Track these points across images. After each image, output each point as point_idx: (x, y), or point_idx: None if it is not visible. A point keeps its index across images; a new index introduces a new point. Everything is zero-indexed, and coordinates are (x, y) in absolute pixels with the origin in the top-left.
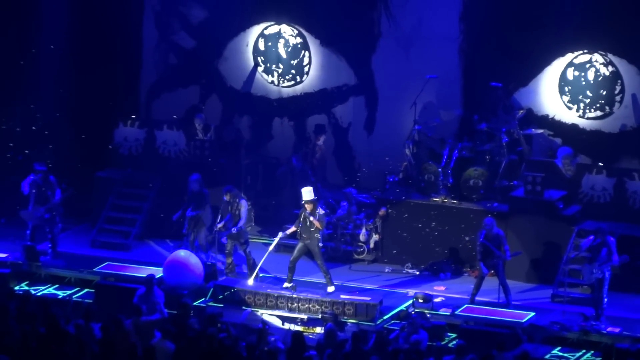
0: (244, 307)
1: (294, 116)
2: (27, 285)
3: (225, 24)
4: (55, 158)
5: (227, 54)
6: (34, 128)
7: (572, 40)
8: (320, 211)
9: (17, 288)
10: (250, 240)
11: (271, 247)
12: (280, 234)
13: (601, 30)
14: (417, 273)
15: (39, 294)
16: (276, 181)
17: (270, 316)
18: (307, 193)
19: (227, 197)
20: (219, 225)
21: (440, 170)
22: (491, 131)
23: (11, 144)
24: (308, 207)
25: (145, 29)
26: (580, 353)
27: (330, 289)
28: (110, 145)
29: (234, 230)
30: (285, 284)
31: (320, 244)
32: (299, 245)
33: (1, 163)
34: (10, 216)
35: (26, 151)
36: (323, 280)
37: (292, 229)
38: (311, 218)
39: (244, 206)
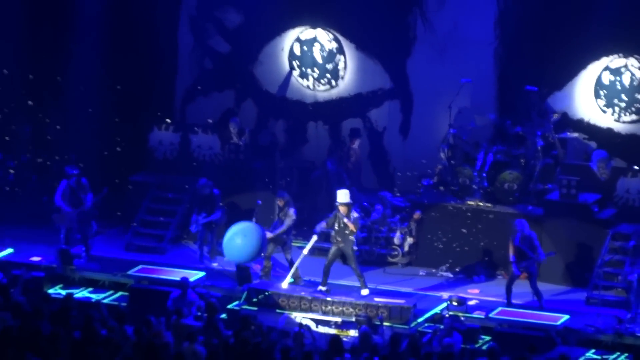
0: (278, 311)
1: (328, 120)
2: (61, 288)
3: (260, 28)
4: (90, 162)
5: (263, 58)
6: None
7: (607, 44)
8: (354, 214)
9: (51, 291)
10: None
11: (305, 251)
12: (314, 237)
13: (636, 34)
14: (451, 276)
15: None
16: (311, 185)
17: (304, 319)
18: (343, 195)
19: (279, 203)
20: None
21: (475, 173)
22: (525, 135)
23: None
24: (342, 209)
25: (180, 34)
26: (615, 356)
27: (364, 292)
28: (144, 149)
29: (269, 234)
30: (320, 287)
31: (355, 247)
32: (333, 248)
33: (39, 167)
34: (45, 220)
35: (56, 157)
36: (357, 284)
37: (323, 224)
38: (345, 220)
39: (289, 216)
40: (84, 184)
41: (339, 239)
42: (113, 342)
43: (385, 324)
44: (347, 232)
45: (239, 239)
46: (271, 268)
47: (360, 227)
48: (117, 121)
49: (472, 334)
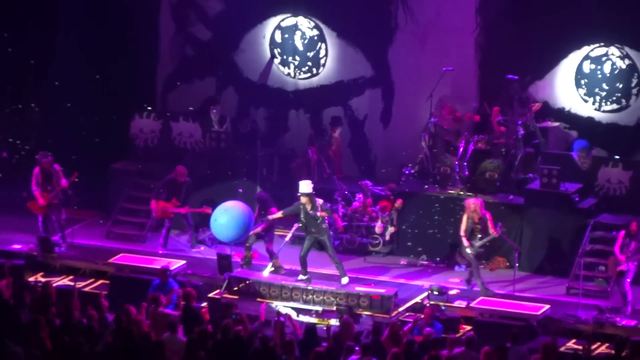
0: (259, 299)
1: (310, 108)
2: (42, 276)
3: (241, 15)
4: (71, 150)
5: (244, 45)
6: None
7: (588, 33)
8: (320, 201)
9: (32, 279)
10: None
11: (286, 239)
12: (295, 226)
13: (617, 23)
14: (433, 265)
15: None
16: (292, 173)
17: (285, 308)
18: (305, 186)
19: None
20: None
21: (456, 162)
22: (507, 124)
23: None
24: (304, 199)
25: (162, 21)
26: (595, 346)
27: (344, 280)
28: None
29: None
30: (301, 277)
31: (331, 233)
32: (308, 239)
33: (18, 153)
34: (19, 209)
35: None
36: (338, 272)
37: (279, 214)
38: (318, 213)
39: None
40: (57, 170)
41: (312, 229)
42: (93, 331)
43: (366, 313)
44: (319, 221)
45: (223, 218)
46: (252, 257)
47: (334, 214)
48: (98, 109)
49: (453, 324)
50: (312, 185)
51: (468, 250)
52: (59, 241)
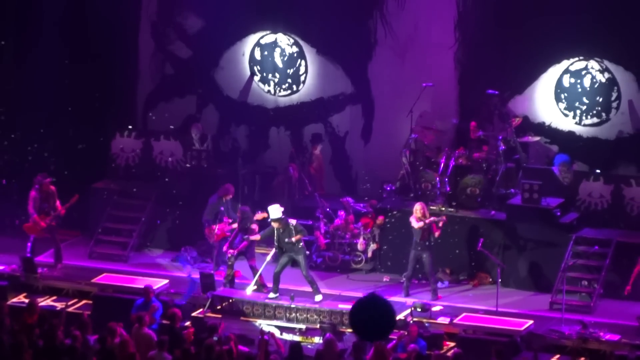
0: (242, 318)
1: (290, 125)
2: (24, 297)
3: (221, 33)
4: (52, 169)
5: (224, 63)
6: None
7: (567, 47)
8: (293, 222)
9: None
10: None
11: (268, 257)
12: (273, 251)
13: (597, 36)
14: (415, 282)
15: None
16: (273, 191)
17: (268, 326)
18: (274, 211)
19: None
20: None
21: (437, 178)
22: (487, 139)
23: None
24: (275, 224)
25: (141, 39)
26: None
27: (318, 297)
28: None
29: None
30: (271, 294)
31: (307, 252)
32: (284, 257)
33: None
34: (10, 230)
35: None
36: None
37: (257, 237)
38: (293, 239)
39: (251, 231)
40: (53, 192)
41: (289, 250)
42: (76, 351)
43: (350, 330)
44: (294, 242)
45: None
46: (234, 276)
47: (316, 231)
48: (78, 128)
49: (437, 340)
50: (282, 209)
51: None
52: (54, 263)
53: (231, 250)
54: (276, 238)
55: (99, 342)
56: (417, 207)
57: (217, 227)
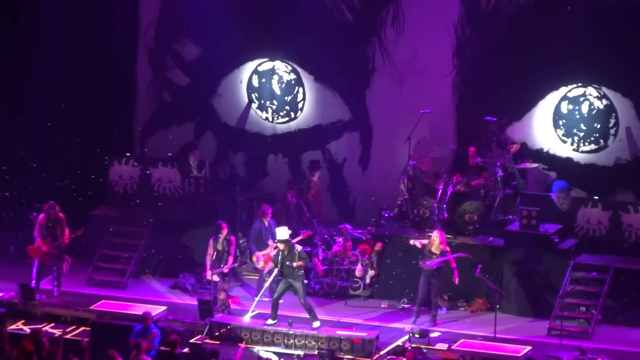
0: (239, 344)
1: (288, 152)
2: (22, 324)
3: (218, 60)
4: (50, 196)
5: (221, 90)
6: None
7: (565, 74)
8: (298, 247)
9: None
10: (245, 276)
11: (267, 284)
12: (275, 270)
13: (595, 63)
14: (414, 308)
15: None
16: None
17: (267, 352)
18: (282, 232)
19: (224, 232)
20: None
21: (435, 205)
22: (485, 165)
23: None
24: (281, 246)
25: (139, 66)
26: None
27: (316, 324)
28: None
29: (225, 268)
30: (269, 321)
31: (305, 281)
32: (283, 283)
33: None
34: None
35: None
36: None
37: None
38: (294, 264)
39: (233, 244)
40: (62, 220)
41: (289, 277)
42: None
43: (348, 357)
44: (295, 269)
45: None
46: (227, 300)
47: (314, 257)
48: (76, 155)
49: None
50: (289, 232)
51: None
52: (54, 290)
53: (215, 277)
54: (280, 260)
55: None
56: (435, 235)
57: (261, 253)
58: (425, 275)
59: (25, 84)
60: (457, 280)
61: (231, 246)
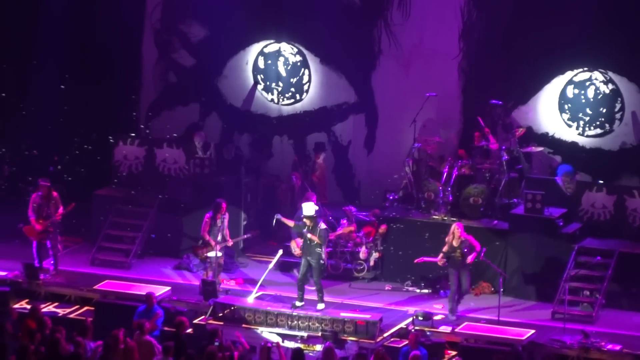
0: (243, 326)
1: (293, 134)
2: (26, 303)
3: (224, 42)
4: (55, 176)
5: (227, 72)
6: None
7: (571, 58)
8: (322, 226)
9: (17, 306)
10: (251, 257)
11: (271, 265)
12: (280, 252)
13: (601, 48)
14: (418, 291)
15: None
16: (276, 199)
17: (271, 334)
18: (308, 208)
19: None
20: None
21: (440, 188)
22: (490, 149)
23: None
24: (307, 221)
25: (145, 47)
26: None
27: (320, 306)
28: (109, 163)
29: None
30: (297, 303)
31: (322, 261)
32: (303, 262)
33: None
34: (3, 235)
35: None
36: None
37: (291, 224)
38: (309, 235)
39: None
40: (55, 197)
41: (306, 252)
42: (80, 358)
43: (351, 338)
44: (313, 244)
45: None
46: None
47: (326, 240)
48: (81, 135)
49: (438, 349)
50: (316, 208)
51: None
52: (50, 268)
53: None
54: (305, 231)
55: (103, 349)
56: (455, 228)
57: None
58: (453, 267)
59: (30, 66)
60: (470, 260)
61: (225, 221)
